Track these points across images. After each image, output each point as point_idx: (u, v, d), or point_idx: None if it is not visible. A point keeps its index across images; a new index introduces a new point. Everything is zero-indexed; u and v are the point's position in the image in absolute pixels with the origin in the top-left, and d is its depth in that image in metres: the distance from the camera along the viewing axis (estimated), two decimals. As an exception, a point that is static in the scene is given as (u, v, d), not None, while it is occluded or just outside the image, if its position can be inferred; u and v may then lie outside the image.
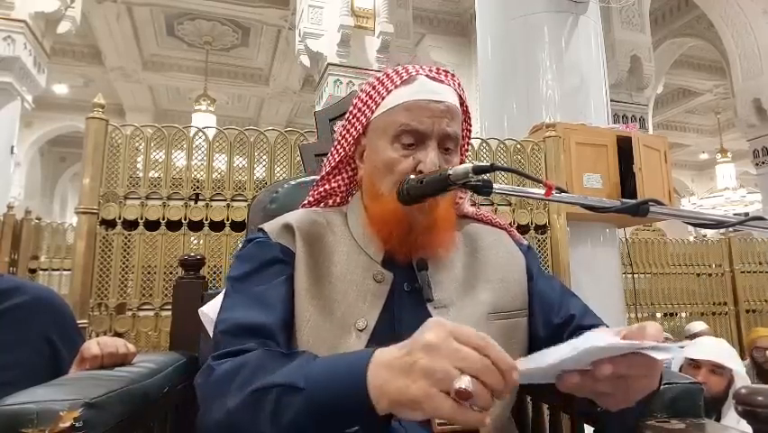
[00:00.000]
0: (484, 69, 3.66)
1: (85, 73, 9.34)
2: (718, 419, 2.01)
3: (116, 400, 0.73)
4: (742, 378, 2.07)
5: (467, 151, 0.93)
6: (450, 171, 0.71)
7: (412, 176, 0.77)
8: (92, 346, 1.00)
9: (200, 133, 1.99)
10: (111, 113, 2.81)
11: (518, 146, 2.18)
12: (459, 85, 0.87)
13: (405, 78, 0.83)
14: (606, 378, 0.58)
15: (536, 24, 3.36)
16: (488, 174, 0.70)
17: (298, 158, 1.86)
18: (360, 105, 0.87)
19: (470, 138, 0.93)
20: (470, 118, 0.91)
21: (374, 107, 0.85)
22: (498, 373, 0.52)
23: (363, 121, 0.86)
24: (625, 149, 2.96)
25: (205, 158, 1.96)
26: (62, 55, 8.48)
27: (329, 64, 5.85)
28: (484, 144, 2.17)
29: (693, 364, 2.08)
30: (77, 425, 0.62)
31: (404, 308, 0.80)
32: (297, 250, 0.82)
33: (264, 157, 2.00)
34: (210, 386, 0.68)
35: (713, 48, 7.64)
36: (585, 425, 0.90)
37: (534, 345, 0.83)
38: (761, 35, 6.52)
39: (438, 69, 0.86)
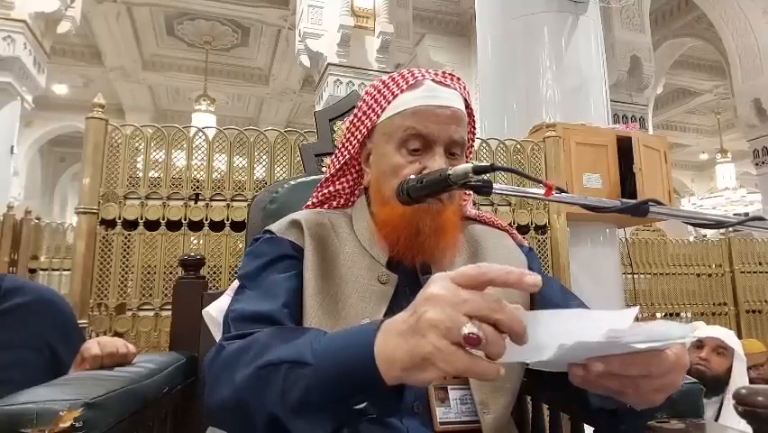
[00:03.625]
0: (484, 69, 3.66)
1: (85, 73, 9.33)
2: (718, 415, 2.01)
3: (116, 400, 0.73)
4: (741, 359, 2.08)
5: (471, 154, 0.93)
6: (450, 172, 0.71)
7: (412, 176, 0.77)
8: (92, 346, 1.00)
9: (200, 133, 1.99)
10: (111, 113, 2.81)
11: (518, 146, 2.18)
12: (464, 88, 0.87)
13: (411, 82, 0.83)
14: (606, 375, 0.55)
15: (536, 24, 3.36)
16: (487, 174, 0.70)
17: (298, 158, 1.85)
18: (365, 107, 0.87)
19: (474, 141, 0.93)
20: (474, 121, 0.91)
21: (380, 111, 0.85)
22: (508, 309, 0.49)
23: (368, 124, 0.86)
24: (625, 149, 2.96)
25: (205, 158, 1.96)
26: (62, 55, 8.48)
27: (329, 64, 5.85)
28: (484, 144, 2.16)
29: (697, 344, 2.09)
30: (77, 425, 0.62)
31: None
32: (305, 246, 0.83)
33: (264, 157, 2.00)
34: (219, 364, 0.68)
35: (713, 48, 7.64)
36: (585, 425, 0.90)
37: None
38: (761, 35, 6.52)
39: (444, 73, 0.86)
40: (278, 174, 1.97)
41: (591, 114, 3.28)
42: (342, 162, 0.91)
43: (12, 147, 5.38)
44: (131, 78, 9.42)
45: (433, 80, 0.83)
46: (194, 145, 1.95)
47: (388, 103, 0.84)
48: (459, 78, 0.87)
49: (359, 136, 0.88)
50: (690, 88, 10.52)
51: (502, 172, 1.84)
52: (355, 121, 0.89)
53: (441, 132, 0.80)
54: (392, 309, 0.79)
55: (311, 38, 5.90)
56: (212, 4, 7.73)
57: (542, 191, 0.70)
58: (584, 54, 3.41)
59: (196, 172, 1.95)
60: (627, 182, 2.91)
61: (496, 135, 2.35)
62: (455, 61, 7.71)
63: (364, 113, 0.87)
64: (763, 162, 7.00)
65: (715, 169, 12.57)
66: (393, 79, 0.85)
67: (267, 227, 0.88)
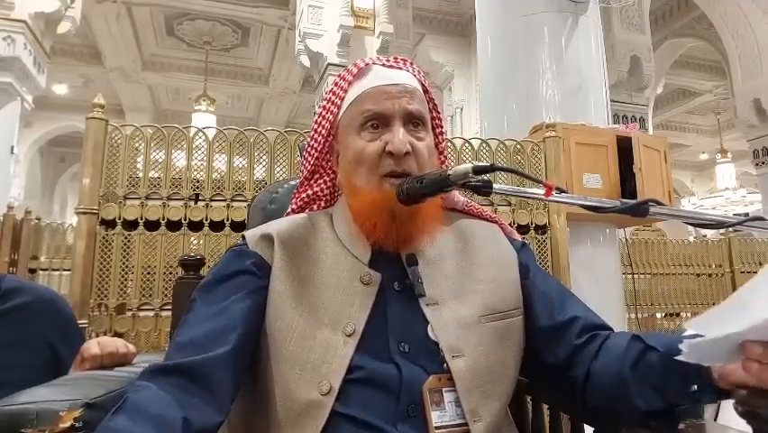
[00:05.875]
0: (484, 69, 3.65)
1: (85, 73, 9.34)
2: (717, 415, 2.01)
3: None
4: None
5: (443, 135, 0.92)
6: (450, 172, 0.71)
7: (412, 176, 0.76)
8: (92, 346, 1.00)
9: (200, 134, 1.99)
10: (110, 113, 2.81)
11: (518, 146, 2.18)
12: (419, 72, 0.88)
13: (361, 66, 0.86)
14: None
15: (536, 24, 3.36)
16: (488, 174, 0.70)
17: (298, 158, 1.85)
18: (325, 103, 0.88)
19: (441, 124, 0.92)
20: (437, 107, 0.91)
21: (339, 102, 0.86)
22: None
23: (330, 118, 0.87)
24: (625, 149, 2.96)
25: (204, 158, 1.96)
26: (62, 55, 8.48)
27: (329, 64, 5.85)
28: (484, 144, 2.17)
29: None
30: (77, 425, 0.63)
31: (395, 308, 0.78)
32: (274, 261, 0.80)
33: (264, 157, 2.00)
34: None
35: (713, 48, 7.64)
36: (585, 425, 0.90)
37: (535, 342, 0.82)
38: (761, 35, 6.51)
39: (396, 57, 0.88)
40: (278, 174, 1.98)
41: (591, 114, 3.27)
42: (312, 163, 0.90)
43: (12, 147, 5.38)
44: (130, 79, 9.42)
45: (383, 65, 0.85)
46: (194, 145, 1.95)
47: (345, 93, 0.85)
48: (412, 63, 0.88)
49: (322, 132, 0.87)
50: (690, 88, 10.52)
51: (502, 172, 1.84)
52: (318, 119, 0.89)
53: (395, 105, 0.81)
54: (377, 309, 0.77)
55: (311, 38, 5.90)
56: (212, 4, 7.73)
57: (542, 191, 0.70)
58: (584, 54, 3.40)
59: (196, 172, 1.95)
60: (627, 182, 2.91)
61: (496, 135, 2.35)
62: (455, 61, 7.70)
63: (325, 108, 0.88)
64: (763, 162, 7.00)
65: (715, 169, 12.58)
66: (347, 71, 0.87)
67: (244, 232, 0.87)
